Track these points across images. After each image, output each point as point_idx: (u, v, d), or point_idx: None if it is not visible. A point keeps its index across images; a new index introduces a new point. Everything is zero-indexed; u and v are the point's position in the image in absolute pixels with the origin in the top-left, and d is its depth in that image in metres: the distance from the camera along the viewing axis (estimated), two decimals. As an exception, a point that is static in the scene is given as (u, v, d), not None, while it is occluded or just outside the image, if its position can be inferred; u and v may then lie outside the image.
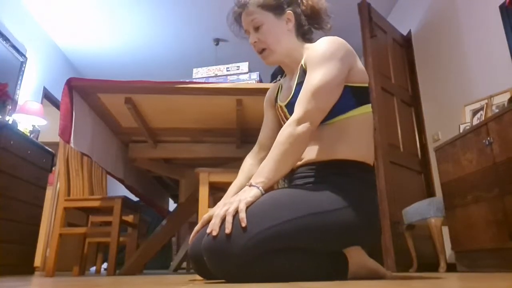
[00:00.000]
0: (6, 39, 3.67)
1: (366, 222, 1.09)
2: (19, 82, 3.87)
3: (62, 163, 2.38)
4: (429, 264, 2.77)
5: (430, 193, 3.31)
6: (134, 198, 3.10)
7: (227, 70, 2.16)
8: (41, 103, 4.22)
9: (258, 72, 2.12)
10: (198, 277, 1.52)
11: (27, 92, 4.08)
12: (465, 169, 2.24)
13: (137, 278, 1.72)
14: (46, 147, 3.18)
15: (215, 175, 1.88)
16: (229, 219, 0.95)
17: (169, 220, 2.62)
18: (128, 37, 4.82)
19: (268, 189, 1.06)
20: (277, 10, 1.27)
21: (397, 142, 3.26)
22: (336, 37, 1.19)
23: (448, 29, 3.26)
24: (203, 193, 1.84)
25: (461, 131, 2.61)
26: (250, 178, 1.11)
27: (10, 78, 3.70)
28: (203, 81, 2.13)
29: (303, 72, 1.21)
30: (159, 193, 3.50)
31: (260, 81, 2.12)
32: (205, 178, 1.87)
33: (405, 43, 3.89)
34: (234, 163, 2.43)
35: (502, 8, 2.60)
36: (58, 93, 4.57)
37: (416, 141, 3.54)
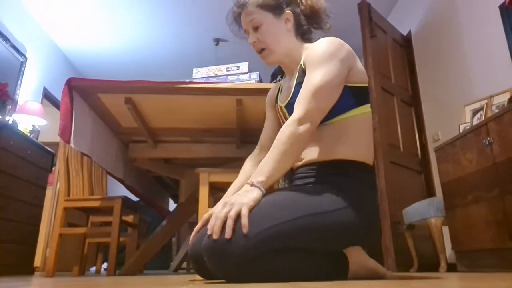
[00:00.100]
0: (6, 39, 3.67)
1: (366, 222, 1.09)
2: (19, 82, 3.87)
3: (62, 163, 2.38)
4: (429, 264, 2.77)
5: (430, 193, 3.31)
6: (134, 198, 3.10)
7: (227, 70, 2.16)
8: (41, 103, 4.22)
9: (258, 72, 2.12)
10: (198, 277, 1.52)
11: (27, 92, 4.08)
12: (465, 169, 2.24)
13: (137, 278, 1.72)
14: (46, 147, 3.18)
15: (215, 175, 1.88)
16: (230, 224, 0.93)
17: (169, 220, 2.62)
18: (128, 37, 4.82)
19: (268, 188, 1.06)
20: (276, 10, 1.27)
21: (397, 142, 3.26)
22: (335, 37, 1.19)
23: (448, 29, 3.26)
24: (203, 193, 1.84)
25: (461, 131, 2.61)
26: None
27: (10, 78, 3.70)
28: (203, 81, 2.13)
29: (302, 72, 1.21)
30: (159, 193, 3.49)
31: (260, 81, 2.12)
32: (205, 178, 1.87)
33: (405, 43, 3.89)
34: (234, 163, 2.43)
35: (502, 8, 2.60)
36: (58, 93, 4.57)
37: (416, 141, 3.54)
